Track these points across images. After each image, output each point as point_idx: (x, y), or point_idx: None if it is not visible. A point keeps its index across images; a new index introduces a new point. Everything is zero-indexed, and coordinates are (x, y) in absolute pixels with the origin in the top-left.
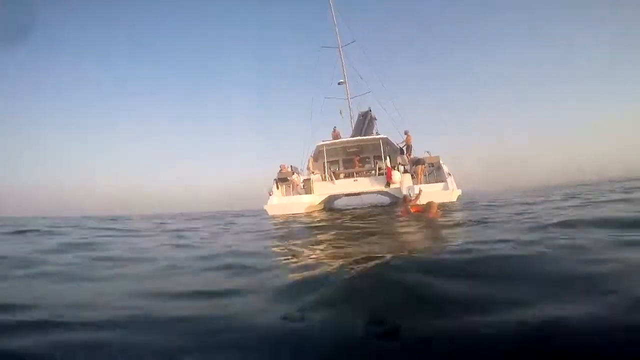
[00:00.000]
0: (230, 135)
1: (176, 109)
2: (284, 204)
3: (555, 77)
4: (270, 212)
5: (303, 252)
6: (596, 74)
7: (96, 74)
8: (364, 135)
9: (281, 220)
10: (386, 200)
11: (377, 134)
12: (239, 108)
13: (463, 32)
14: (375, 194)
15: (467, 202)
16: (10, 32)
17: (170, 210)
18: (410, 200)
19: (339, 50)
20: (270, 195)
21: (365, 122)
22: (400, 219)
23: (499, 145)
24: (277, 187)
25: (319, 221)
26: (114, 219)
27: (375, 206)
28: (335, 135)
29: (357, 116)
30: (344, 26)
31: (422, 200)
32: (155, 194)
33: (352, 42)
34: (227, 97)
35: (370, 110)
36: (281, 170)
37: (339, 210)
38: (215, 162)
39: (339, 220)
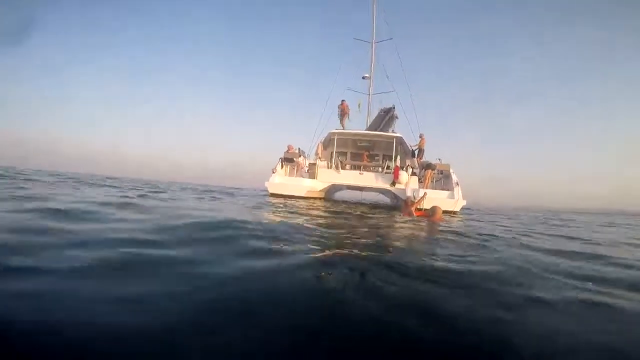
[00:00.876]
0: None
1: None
2: (285, 184)
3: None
4: (271, 190)
5: None
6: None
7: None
8: (380, 132)
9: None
10: (387, 200)
11: (394, 132)
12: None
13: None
14: (377, 193)
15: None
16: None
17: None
18: (413, 203)
19: (372, 46)
20: (273, 172)
21: (385, 118)
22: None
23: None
24: (282, 167)
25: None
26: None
27: (376, 205)
28: (344, 108)
29: (377, 111)
30: (382, 21)
31: (426, 205)
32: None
33: (388, 39)
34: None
35: (394, 108)
36: (288, 150)
37: (337, 203)
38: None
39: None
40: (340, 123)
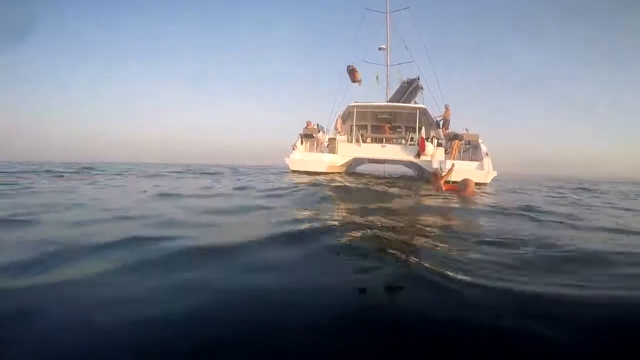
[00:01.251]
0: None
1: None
2: (305, 160)
3: None
4: (292, 167)
5: None
6: None
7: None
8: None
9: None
10: (410, 172)
11: (416, 103)
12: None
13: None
14: (400, 165)
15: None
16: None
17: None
18: (442, 177)
19: (387, 16)
20: (293, 149)
21: (409, 89)
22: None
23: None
24: (302, 143)
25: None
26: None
27: (401, 178)
28: (353, 72)
29: (398, 83)
30: None
31: (454, 177)
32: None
33: (404, 9)
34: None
35: (418, 79)
36: (307, 126)
37: (360, 177)
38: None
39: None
40: (357, 82)
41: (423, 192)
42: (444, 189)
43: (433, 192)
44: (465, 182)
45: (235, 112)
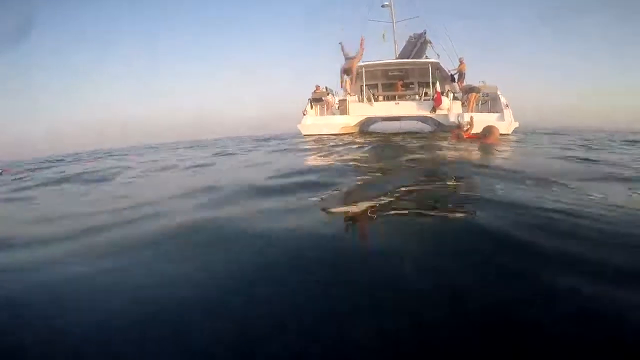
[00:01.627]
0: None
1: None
2: (317, 124)
3: None
4: (304, 132)
5: None
6: None
7: None
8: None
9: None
10: (427, 127)
11: (427, 58)
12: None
13: None
14: (415, 121)
15: None
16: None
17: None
18: (464, 130)
19: None
20: (304, 115)
21: (416, 44)
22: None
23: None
24: (311, 107)
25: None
26: None
27: (419, 132)
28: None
29: (408, 38)
30: None
31: (475, 129)
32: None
33: None
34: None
35: (425, 33)
36: (316, 90)
37: (374, 134)
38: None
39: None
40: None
41: (446, 143)
42: (465, 137)
43: (454, 142)
44: (489, 129)
45: (238, 83)
